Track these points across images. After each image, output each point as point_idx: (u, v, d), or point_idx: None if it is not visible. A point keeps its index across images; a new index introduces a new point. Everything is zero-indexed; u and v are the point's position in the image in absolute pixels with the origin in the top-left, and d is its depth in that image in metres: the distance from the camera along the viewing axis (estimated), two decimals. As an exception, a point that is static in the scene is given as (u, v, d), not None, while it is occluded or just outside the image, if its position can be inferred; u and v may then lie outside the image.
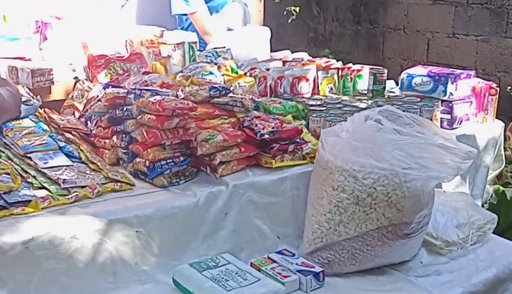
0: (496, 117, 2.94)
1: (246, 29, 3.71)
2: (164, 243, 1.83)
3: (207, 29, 3.60)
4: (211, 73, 2.58)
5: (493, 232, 2.35)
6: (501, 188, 3.07)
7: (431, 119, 2.51)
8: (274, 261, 1.93)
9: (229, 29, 3.74)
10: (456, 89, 2.66)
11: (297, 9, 5.87)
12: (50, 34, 2.75)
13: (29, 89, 2.36)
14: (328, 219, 1.99)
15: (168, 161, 1.93)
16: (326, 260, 2.02)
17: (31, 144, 1.99)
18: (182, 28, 3.72)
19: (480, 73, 4.90)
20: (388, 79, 3.10)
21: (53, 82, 2.50)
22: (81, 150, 2.03)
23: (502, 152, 2.95)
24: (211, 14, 3.74)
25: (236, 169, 2.04)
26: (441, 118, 2.67)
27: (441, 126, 2.63)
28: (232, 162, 2.03)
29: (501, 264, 2.18)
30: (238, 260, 1.91)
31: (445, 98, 2.67)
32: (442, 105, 2.67)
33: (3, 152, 2.01)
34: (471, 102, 2.77)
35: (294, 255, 1.98)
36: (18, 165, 1.92)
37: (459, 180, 2.61)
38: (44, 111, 2.28)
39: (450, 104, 2.67)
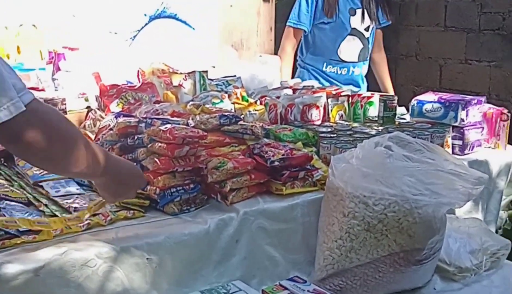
0: (510, 143, 2.93)
1: (257, 58, 3.74)
2: (175, 270, 1.83)
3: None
4: (221, 101, 2.60)
5: (508, 258, 2.33)
6: (515, 213, 3.04)
7: (442, 145, 2.50)
8: (286, 288, 1.91)
9: (343, 61, 3.77)
10: (467, 115, 2.65)
11: (309, 37, 5.92)
12: (63, 65, 2.79)
13: (42, 119, 2.38)
14: (339, 245, 1.99)
15: (179, 188, 1.94)
16: (338, 287, 2.00)
17: (40, 173, 2.02)
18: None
19: (493, 98, 4.89)
20: (400, 105, 3.11)
21: (66, 112, 2.52)
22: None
23: (516, 178, 2.93)
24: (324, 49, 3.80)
25: (246, 196, 2.05)
26: (452, 144, 2.66)
27: (453, 152, 2.63)
28: (243, 189, 2.03)
29: (515, 290, 2.16)
30: (249, 287, 1.90)
31: (456, 124, 2.66)
32: (453, 131, 2.67)
33: (16, 181, 2.04)
34: (483, 128, 2.76)
35: (305, 282, 1.96)
36: (30, 193, 1.94)
37: (472, 206, 2.60)
38: (57, 140, 2.30)
39: (461, 130, 2.67)
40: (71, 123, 1.49)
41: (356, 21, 3.73)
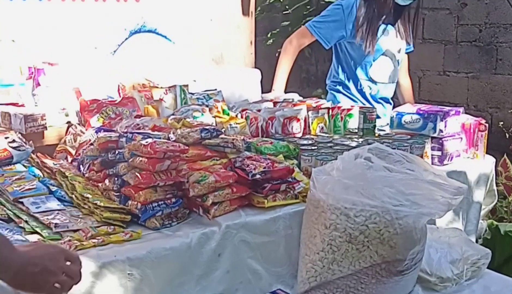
0: (489, 153, 2.97)
1: (237, 71, 3.75)
2: (157, 285, 1.82)
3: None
4: (202, 115, 2.60)
5: (489, 268, 2.35)
6: (495, 222, 3.07)
7: (421, 156, 2.52)
8: (269, 302, 1.92)
9: (374, 81, 3.56)
10: (445, 126, 2.68)
11: (289, 50, 5.95)
12: (43, 80, 2.77)
13: (22, 134, 2.38)
14: (322, 257, 1.99)
15: (160, 203, 1.94)
16: (320, 299, 2.01)
17: (20, 189, 2.01)
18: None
19: (472, 109, 4.95)
20: (378, 117, 3.13)
21: (46, 127, 2.51)
22: (78, 182, 2.07)
23: (494, 187, 2.96)
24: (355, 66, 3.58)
25: (228, 209, 2.05)
26: (431, 155, 2.69)
27: (432, 163, 2.65)
28: (225, 203, 2.04)
29: (496, 299, 2.18)
30: (232, 301, 1.91)
31: (435, 135, 2.69)
32: (432, 142, 2.69)
33: (-4, 198, 2.03)
34: (461, 138, 2.79)
35: (288, 294, 1.98)
36: (10, 210, 1.93)
37: (452, 216, 2.62)
38: (37, 155, 2.30)
39: (440, 141, 2.69)
40: None
41: (389, 42, 3.54)
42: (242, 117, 2.75)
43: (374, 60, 3.52)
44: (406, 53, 3.73)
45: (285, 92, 3.56)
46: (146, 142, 1.95)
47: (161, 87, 2.93)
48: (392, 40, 3.54)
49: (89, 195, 1.98)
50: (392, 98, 3.73)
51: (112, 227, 1.89)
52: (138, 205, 1.93)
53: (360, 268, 1.97)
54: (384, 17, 3.46)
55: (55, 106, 2.66)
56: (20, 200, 1.97)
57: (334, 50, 3.63)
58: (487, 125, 2.89)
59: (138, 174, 1.93)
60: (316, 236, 2.01)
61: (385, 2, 3.41)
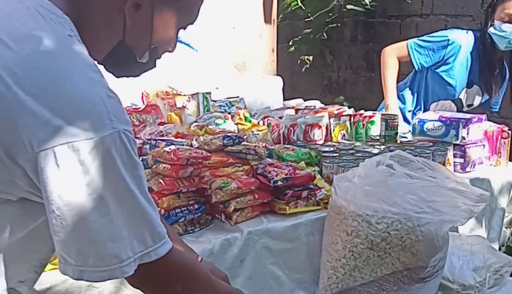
0: (511, 160, 2.95)
1: (259, 78, 3.77)
2: (180, 290, 1.84)
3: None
4: (224, 122, 2.63)
5: (511, 275, 2.34)
6: (518, 231, 3.05)
7: (444, 164, 2.52)
8: (290, 308, 1.93)
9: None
10: (468, 133, 2.67)
11: (311, 58, 5.97)
12: (68, 88, 2.82)
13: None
14: (343, 264, 2.00)
15: (183, 209, 1.96)
16: (342, 305, 2.02)
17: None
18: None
19: (495, 116, 4.91)
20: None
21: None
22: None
23: (518, 195, 2.94)
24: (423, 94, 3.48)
25: (250, 216, 2.06)
26: (454, 162, 2.68)
27: (454, 170, 2.64)
28: (247, 209, 2.05)
29: (519, 307, 2.17)
30: (254, 307, 1.92)
31: (457, 142, 2.68)
32: (454, 149, 2.68)
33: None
34: (484, 145, 2.78)
35: (310, 301, 1.98)
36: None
37: (474, 224, 2.61)
38: (63, 162, 2.33)
39: (463, 148, 2.68)
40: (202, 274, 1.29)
41: (466, 94, 3.45)
42: (264, 124, 2.77)
43: (441, 99, 3.45)
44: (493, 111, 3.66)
45: (306, 99, 3.57)
46: (170, 149, 1.98)
47: (184, 95, 2.96)
48: (471, 95, 3.44)
49: (113, 201, 2.01)
50: None
51: (136, 232, 1.91)
52: (161, 211, 1.94)
53: (382, 275, 1.97)
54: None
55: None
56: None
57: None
58: (510, 132, 2.87)
59: (161, 181, 1.95)
60: (337, 243, 2.02)
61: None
